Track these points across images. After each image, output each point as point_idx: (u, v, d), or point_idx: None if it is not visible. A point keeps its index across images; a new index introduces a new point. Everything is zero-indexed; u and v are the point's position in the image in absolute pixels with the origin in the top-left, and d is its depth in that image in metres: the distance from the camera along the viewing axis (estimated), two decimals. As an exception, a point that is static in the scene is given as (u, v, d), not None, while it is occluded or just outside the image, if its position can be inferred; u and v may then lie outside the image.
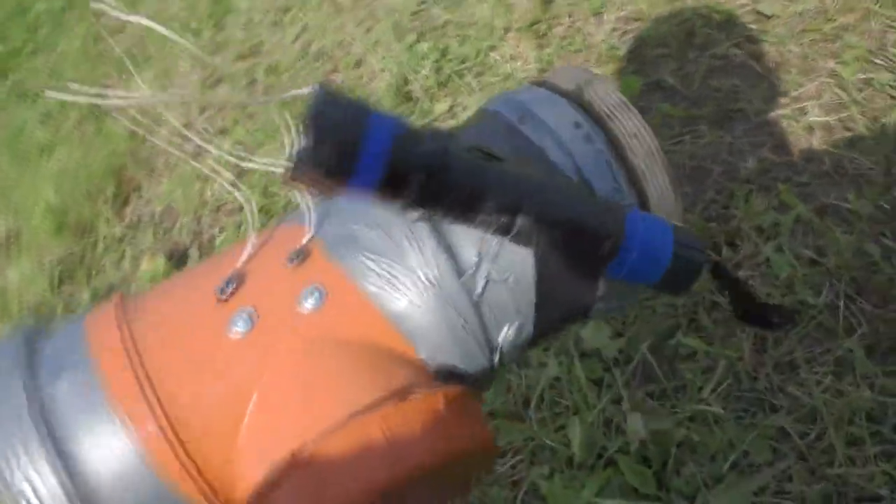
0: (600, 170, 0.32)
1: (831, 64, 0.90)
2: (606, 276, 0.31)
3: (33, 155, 1.74)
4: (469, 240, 0.30)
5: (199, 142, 0.33)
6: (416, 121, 1.17)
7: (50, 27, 2.17)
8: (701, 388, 0.74)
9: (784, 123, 0.88)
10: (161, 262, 1.26)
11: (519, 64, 1.16)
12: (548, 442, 0.76)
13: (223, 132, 1.47)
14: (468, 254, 0.30)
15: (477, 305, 0.30)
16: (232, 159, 0.31)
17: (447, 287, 0.29)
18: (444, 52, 1.25)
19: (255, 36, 1.57)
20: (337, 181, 0.26)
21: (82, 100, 0.29)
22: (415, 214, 0.28)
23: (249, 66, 1.53)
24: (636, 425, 0.71)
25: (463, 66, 1.21)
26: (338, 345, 0.28)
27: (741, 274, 0.79)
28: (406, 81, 1.23)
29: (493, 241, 0.30)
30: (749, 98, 0.93)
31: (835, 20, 0.93)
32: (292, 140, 0.26)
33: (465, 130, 0.35)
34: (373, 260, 0.30)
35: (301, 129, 0.25)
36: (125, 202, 1.49)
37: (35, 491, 0.26)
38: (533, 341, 0.33)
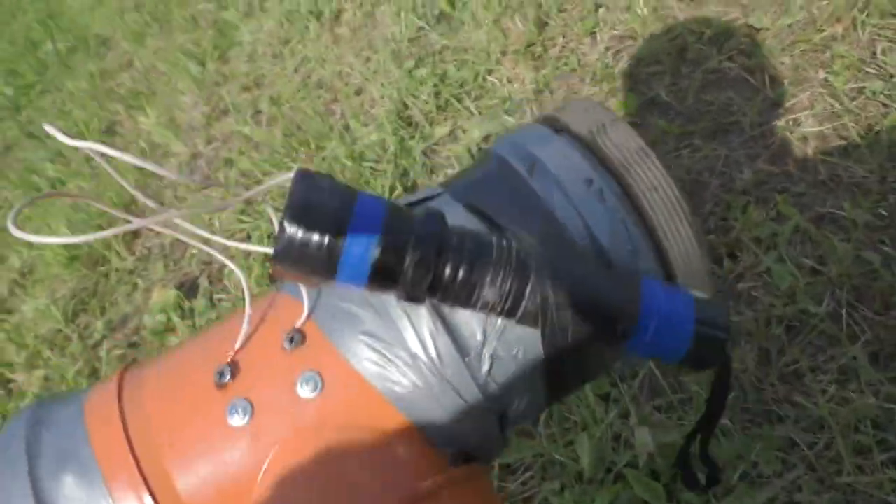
0: (615, 232, 0.29)
1: (822, 74, 0.92)
2: (620, 355, 0.30)
3: (45, 190, 1.77)
4: (472, 317, 0.28)
5: (197, 231, 0.32)
6: (417, 145, 1.19)
7: (57, 67, 2.22)
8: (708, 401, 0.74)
9: (779, 134, 0.90)
10: (172, 293, 1.28)
11: (516, 86, 1.18)
12: (557, 457, 0.76)
13: (229, 163, 1.50)
14: (471, 332, 0.28)
15: (484, 385, 0.29)
16: (228, 242, 0.30)
17: (450, 369, 0.28)
18: (442, 78, 1.27)
19: (257, 68, 1.60)
20: (321, 277, 0.24)
21: (81, 145, 0.28)
22: (411, 302, 0.27)
23: (254, 98, 1.56)
24: (644, 439, 0.72)
25: (461, 90, 1.23)
26: (340, 431, 0.27)
27: (742, 286, 0.80)
28: (406, 106, 1.25)
29: (497, 321, 0.28)
30: (743, 111, 0.94)
31: (824, 30, 0.94)
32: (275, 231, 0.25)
33: (470, 176, 0.33)
34: (370, 341, 0.28)
35: (282, 219, 0.23)
36: (135, 234, 1.52)
37: None
38: (545, 407, 0.32)
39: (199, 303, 1.23)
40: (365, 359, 0.28)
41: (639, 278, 0.28)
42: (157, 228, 0.30)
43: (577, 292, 0.26)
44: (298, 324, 0.29)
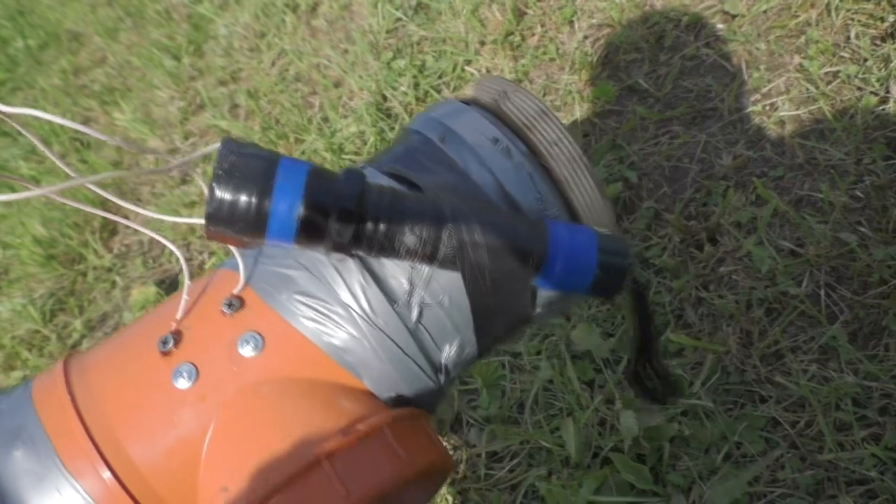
0: (522, 183, 0.32)
1: (798, 59, 0.93)
2: (537, 288, 0.31)
3: (18, 189, 1.74)
4: (399, 269, 0.30)
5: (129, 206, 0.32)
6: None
7: (29, 64, 2.18)
8: (691, 384, 0.75)
9: (756, 119, 0.90)
10: (152, 290, 1.27)
11: (496, 75, 1.18)
12: (544, 444, 0.77)
13: (207, 158, 1.48)
14: (399, 283, 0.30)
15: (414, 331, 0.31)
16: (160, 216, 0.32)
17: (381, 317, 0.30)
18: (420, 69, 1.26)
19: (234, 62, 1.59)
20: (251, 236, 0.26)
21: (15, 111, 0.28)
22: (339, 255, 0.29)
23: (230, 92, 1.54)
24: (629, 423, 0.73)
25: (440, 80, 1.23)
26: (282, 385, 0.28)
27: (723, 270, 0.81)
28: (385, 98, 1.25)
29: (424, 268, 0.30)
30: (721, 96, 0.95)
31: (798, 16, 0.95)
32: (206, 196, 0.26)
33: (390, 152, 0.36)
34: (305, 300, 0.30)
35: (212, 185, 0.25)
36: (112, 233, 1.50)
37: None
38: (479, 355, 0.34)
39: (180, 299, 1.21)
40: (301, 316, 0.30)
41: (544, 220, 0.31)
42: (60, 199, 0.32)
43: (489, 234, 0.29)
44: (236, 290, 0.31)
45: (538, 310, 0.34)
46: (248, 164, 0.25)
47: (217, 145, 0.26)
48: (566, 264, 0.30)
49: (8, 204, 1.71)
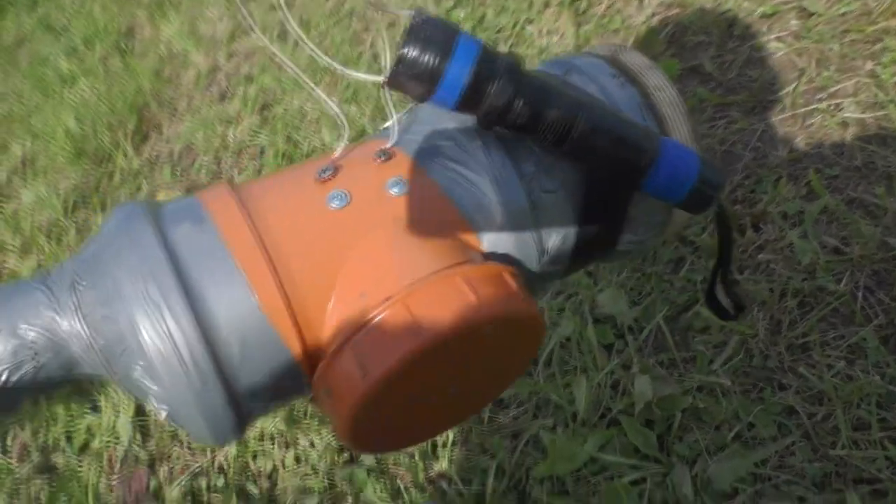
0: (634, 111, 0.36)
1: (870, 65, 0.91)
2: (640, 188, 0.35)
3: (56, 84, 1.73)
4: (529, 155, 0.35)
5: (312, 50, 0.34)
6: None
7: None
8: (711, 361, 0.74)
9: (818, 117, 0.89)
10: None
11: (555, 39, 1.17)
12: (553, 397, 0.76)
13: (248, 79, 1.47)
14: (527, 165, 0.34)
15: (532, 209, 0.34)
16: (334, 65, 0.33)
17: (510, 186, 0.34)
18: (480, 21, 1.25)
19: (290, -11, 1.57)
20: (428, 85, 0.30)
21: None
22: (483, 129, 0.34)
23: (281, 18, 1.53)
24: (643, 388, 0.72)
25: (498, 35, 1.21)
26: (418, 224, 0.32)
27: (762, 257, 0.79)
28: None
29: (547, 158, 0.34)
30: (785, 90, 0.93)
31: (877, 23, 0.93)
32: (389, 53, 0.30)
33: None
34: (448, 163, 0.34)
35: (400, 41, 0.29)
36: (145, 138, 1.49)
37: (162, 321, 0.28)
38: (572, 256, 0.37)
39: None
40: (442, 174, 0.34)
41: (658, 133, 0.36)
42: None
43: (615, 126, 0.33)
44: (388, 146, 0.34)
45: (626, 235, 0.38)
46: (435, 26, 0.30)
47: (407, 11, 0.30)
48: (670, 171, 0.34)
49: (45, 95, 1.71)
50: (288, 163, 1.21)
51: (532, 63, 1.14)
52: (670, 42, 1.06)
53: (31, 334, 0.29)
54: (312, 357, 0.30)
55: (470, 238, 0.33)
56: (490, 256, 0.34)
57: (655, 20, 1.09)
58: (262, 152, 1.28)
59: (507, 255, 0.34)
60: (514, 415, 0.77)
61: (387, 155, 0.34)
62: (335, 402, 0.29)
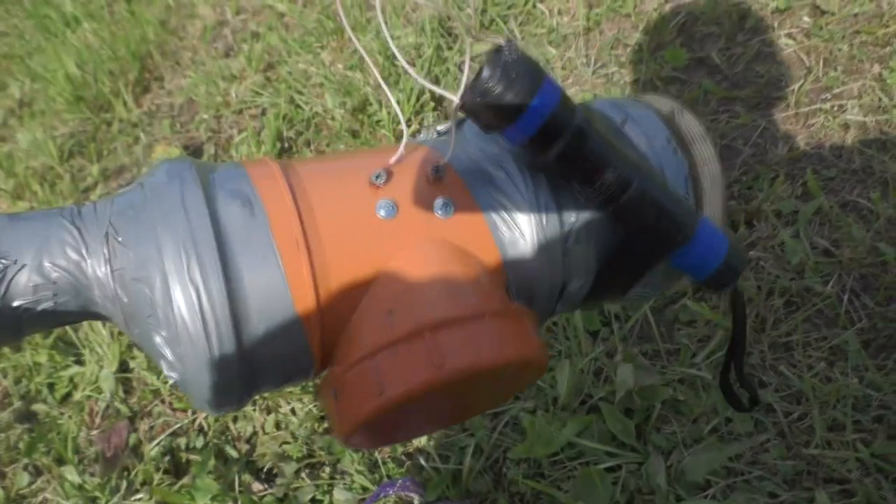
0: (679, 180, 0.37)
1: (878, 68, 0.90)
2: (669, 262, 0.36)
3: (59, 26, 1.71)
4: (573, 204, 0.35)
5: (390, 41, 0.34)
6: (453, 57, 1.16)
7: None
8: (694, 355, 0.75)
9: (821, 117, 0.89)
10: (176, 152, 1.25)
11: (566, 20, 1.15)
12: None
13: (255, 36, 1.45)
14: (570, 214, 0.35)
15: (565, 253, 0.35)
16: (414, 75, 0.33)
17: (550, 232, 0.34)
18: (492, -5, 1.23)
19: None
20: (504, 121, 0.31)
21: None
22: (538, 167, 0.34)
23: (292, -24, 1.50)
24: (625, 376, 0.73)
25: (509, 11, 1.20)
26: (456, 250, 0.33)
27: (752, 254, 0.80)
28: (449, 17, 1.22)
29: (588, 209, 0.35)
30: (791, 87, 0.93)
31: (889, 26, 0.93)
32: (468, 76, 0.30)
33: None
34: (496, 193, 0.34)
35: (485, 68, 0.30)
36: (146, 89, 1.48)
37: (198, 303, 0.28)
38: (583, 301, 0.39)
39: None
40: (488, 204, 0.34)
41: (698, 211, 0.37)
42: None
43: (664, 199, 0.34)
44: (443, 161, 0.34)
45: (636, 288, 0.38)
46: (524, 63, 0.30)
47: (501, 39, 0.30)
48: (702, 251, 0.35)
49: (47, 35, 1.69)
50: (288, 126, 1.20)
51: (539, 42, 1.13)
52: (680, 31, 1.05)
53: (55, 274, 0.29)
54: (327, 353, 0.32)
55: (499, 273, 0.34)
56: (512, 293, 0.35)
57: (667, 7, 1.08)
58: (263, 112, 1.27)
59: (528, 294, 0.35)
60: (497, 393, 0.78)
61: (440, 172, 0.34)
62: (343, 406, 0.30)
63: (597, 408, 0.74)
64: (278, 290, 0.29)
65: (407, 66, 0.33)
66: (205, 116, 1.33)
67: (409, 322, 0.30)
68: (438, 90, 0.34)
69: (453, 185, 0.34)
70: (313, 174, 0.33)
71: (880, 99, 0.87)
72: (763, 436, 0.69)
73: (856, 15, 0.96)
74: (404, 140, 0.35)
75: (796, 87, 0.93)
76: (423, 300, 0.31)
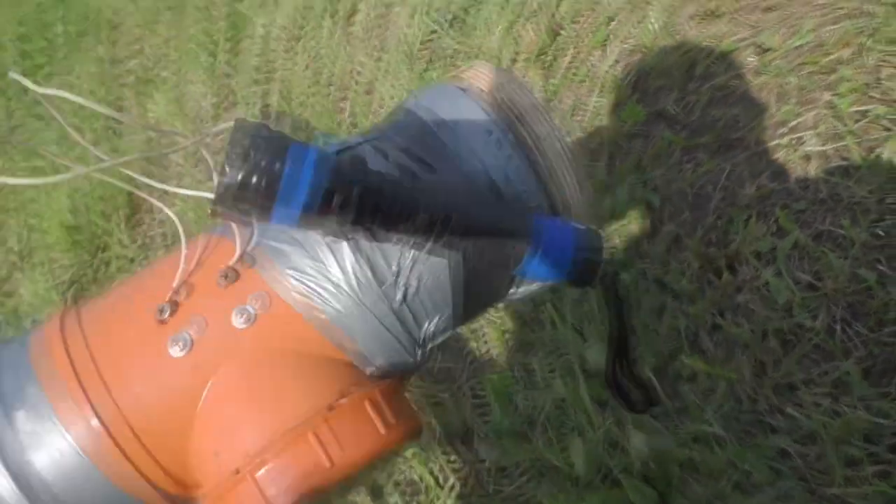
0: (509, 175, 0.34)
1: (828, 96, 0.93)
2: (515, 276, 0.34)
3: (49, 172, 1.77)
4: (386, 252, 0.32)
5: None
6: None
7: (67, 50, 2.22)
8: (703, 410, 0.76)
9: (782, 152, 0.91)
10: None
11: (525, 92, 1.20)
12: (553, 461, 0.78)
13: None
14: (387, 265, 0.32)
15: (398, 311, 0.33)
16: (163, 187, 0.34)
17: (368, 297, 0.32)
18: (452, 80, 1.28)
19: (269, 62, 1.61)
20: (258, 214, 0.28)
21: (46, 91, 0.31)
22: (335, 237, 0.31)
23: (263, 91, 1.57)
24: (639, 445, 0.74)
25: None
26: (272, 357, 0.31)
27: (740, 298, 0.81)
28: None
29: (411, 253, 0.32)
30: (748, 127, 0.96)
31: (831, 54, 0.96)
32: (216, 175, 0.28)
33: (386, 131, 0.37)
34: (297, 275, 0.31)
35: (224, 163, 0.26)
36: (138, 223, 1.52)
37: None
38: (455, 323, 0.36)
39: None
40: (293, 290, 0.31)
41: (528, 211, 0.34)
42: (98, 175, 0.35)
43: (477, 229, 0.32)
44: (231, 262, 0.32)
45: (515, 292, 0.36)
46: (258, 147, 0.27)
47: (230, 123, 0.28)
48: (543, 259, 0.33)
49: (38, 187, 1.75)
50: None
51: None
52: (634, 88, 1.09)
53: None
54: (182, 480, 0.31)
55: (334, 356, 0.32)
56: (359, 364, 0.33)
57: (619, 67, 1.12)
58: (252, 229, 1.31)
59: (379, 358, 0.33)
60: (519, 484, 0.79)
61: (231, 276, 0.31)
62: None
63: (617, 480, 0.75)
64: (73, 456, 0.29)
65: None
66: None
67: (233, 462, 0.29)
68: (192, 192, 0.34)
69: (250, 283, 0.31)
70: (98, 325, 0.32)
71: (835, 126, 0.90)
72: (784, 483, 0.69)
73: (798, 47, 1.00)
74: (182, 258, 0.33)
75: (754, 125, 0.96)
76: (241, 436, 0.29)
